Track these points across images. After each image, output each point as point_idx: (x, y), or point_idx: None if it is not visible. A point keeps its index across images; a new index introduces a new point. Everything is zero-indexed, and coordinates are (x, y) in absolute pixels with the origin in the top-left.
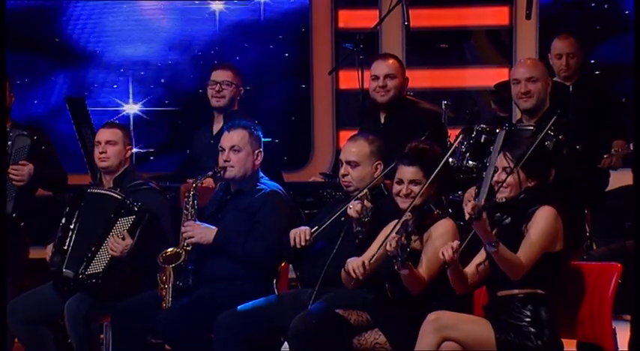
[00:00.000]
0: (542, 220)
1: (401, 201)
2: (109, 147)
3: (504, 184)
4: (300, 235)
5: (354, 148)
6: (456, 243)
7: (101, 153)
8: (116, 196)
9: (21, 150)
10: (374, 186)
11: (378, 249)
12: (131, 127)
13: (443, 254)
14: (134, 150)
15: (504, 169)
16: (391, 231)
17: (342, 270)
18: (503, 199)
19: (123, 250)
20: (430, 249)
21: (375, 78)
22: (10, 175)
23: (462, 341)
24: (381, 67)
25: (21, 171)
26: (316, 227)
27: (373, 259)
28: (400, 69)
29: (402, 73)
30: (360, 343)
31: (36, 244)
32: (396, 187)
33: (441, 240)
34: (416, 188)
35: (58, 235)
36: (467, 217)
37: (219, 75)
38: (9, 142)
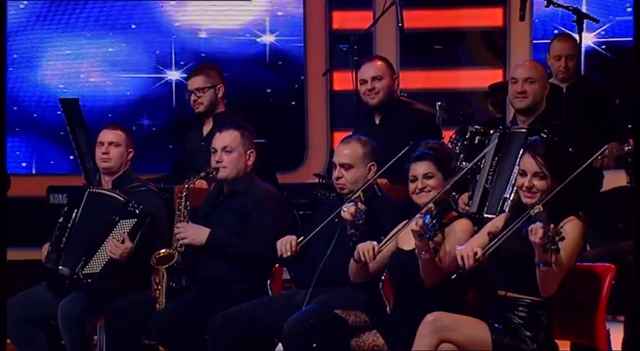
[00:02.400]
0: (571, 239)
1: (417, 197)
2: (112, 148)
3: (534, 189)
4: (285, 244)
5: (347, 150)
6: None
7: (104, 153)
8: (119, 197)
9: None
10: (367, 188)
11: (388, 241)
12: (173, 96)
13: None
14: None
15: (536, 174)
16: (404, 225)
17: (352, 259)
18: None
19: (122, 254)
20: (452, 243)
21: (364, 82)
22: None
23: (460, 343)
24: (367, 71)
25: None
26: (302, 237)
27: (383, 246)
28: (388, 70)
29: (391, 74)
30: (357, 344)
31: (29, 246)
32: (411, 186)
33: (462, 236)
34: (430, 182)
35: (55, 233)
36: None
37: (191, 83)
38: None
